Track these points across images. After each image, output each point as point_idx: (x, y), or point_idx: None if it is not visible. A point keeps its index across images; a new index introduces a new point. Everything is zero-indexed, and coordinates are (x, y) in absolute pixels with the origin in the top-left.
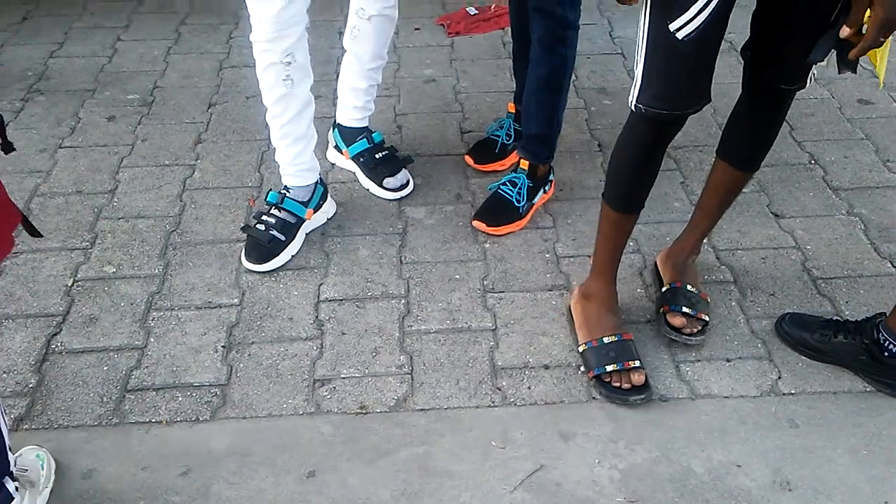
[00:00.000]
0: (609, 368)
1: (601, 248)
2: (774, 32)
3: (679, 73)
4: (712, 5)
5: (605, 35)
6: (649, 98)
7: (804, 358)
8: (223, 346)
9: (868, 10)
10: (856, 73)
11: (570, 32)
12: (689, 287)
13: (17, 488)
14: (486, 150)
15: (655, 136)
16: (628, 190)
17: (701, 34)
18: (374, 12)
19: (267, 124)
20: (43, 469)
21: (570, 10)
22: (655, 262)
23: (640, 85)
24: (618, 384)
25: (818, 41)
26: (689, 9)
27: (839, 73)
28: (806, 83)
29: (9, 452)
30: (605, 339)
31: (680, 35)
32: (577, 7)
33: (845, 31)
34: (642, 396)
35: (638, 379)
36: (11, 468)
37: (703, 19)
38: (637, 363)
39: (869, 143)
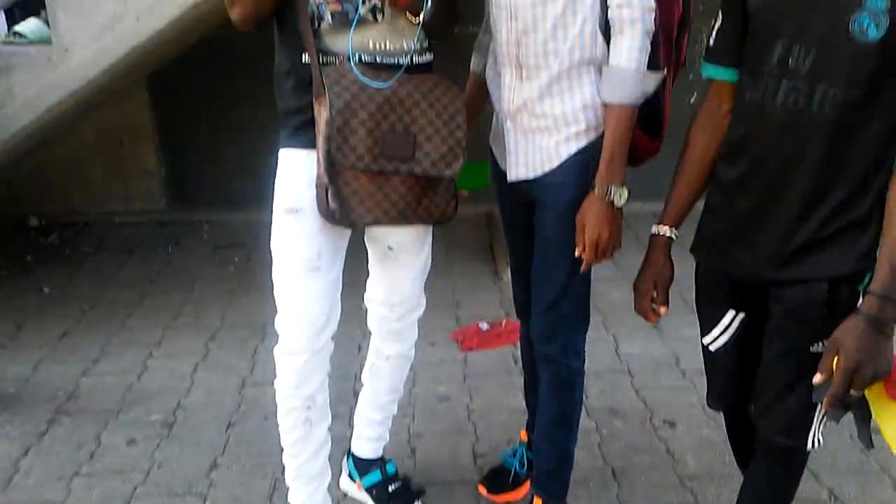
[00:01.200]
0: None
1: None
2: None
3: (718, 377)
4: (732, 328)
5: (611, 352)
6: (707, 397)
7: None
8: None
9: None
10: (869, 447)
11: (576, 379)
12: None
13: None
14: (499, 479)
15: (731, 428)
16: None
17: (730, 348)
18: (393, 353)
19: (282, 447)
20: None
21: (576, 358)
22: None
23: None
24: None
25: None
26: (712, 329)
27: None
28: (806, 443)
29: None
30: None
31: (711, 348)
32: (582, 355)
33: (818, 378)
34: None
35: None
36: None
37: (727, 338)
38: None
39: (886, 477)
